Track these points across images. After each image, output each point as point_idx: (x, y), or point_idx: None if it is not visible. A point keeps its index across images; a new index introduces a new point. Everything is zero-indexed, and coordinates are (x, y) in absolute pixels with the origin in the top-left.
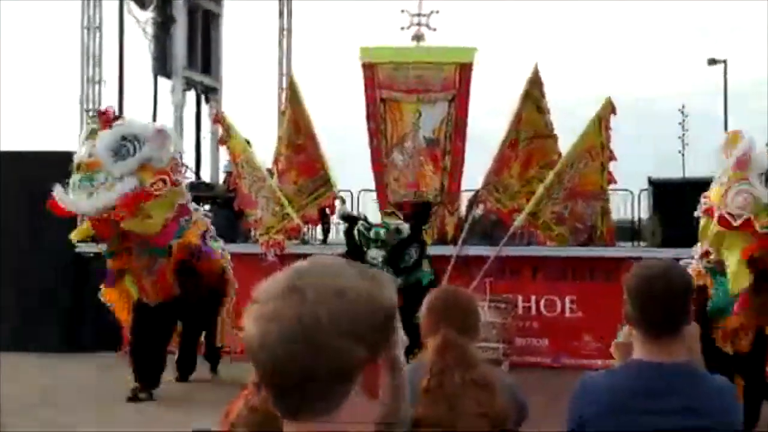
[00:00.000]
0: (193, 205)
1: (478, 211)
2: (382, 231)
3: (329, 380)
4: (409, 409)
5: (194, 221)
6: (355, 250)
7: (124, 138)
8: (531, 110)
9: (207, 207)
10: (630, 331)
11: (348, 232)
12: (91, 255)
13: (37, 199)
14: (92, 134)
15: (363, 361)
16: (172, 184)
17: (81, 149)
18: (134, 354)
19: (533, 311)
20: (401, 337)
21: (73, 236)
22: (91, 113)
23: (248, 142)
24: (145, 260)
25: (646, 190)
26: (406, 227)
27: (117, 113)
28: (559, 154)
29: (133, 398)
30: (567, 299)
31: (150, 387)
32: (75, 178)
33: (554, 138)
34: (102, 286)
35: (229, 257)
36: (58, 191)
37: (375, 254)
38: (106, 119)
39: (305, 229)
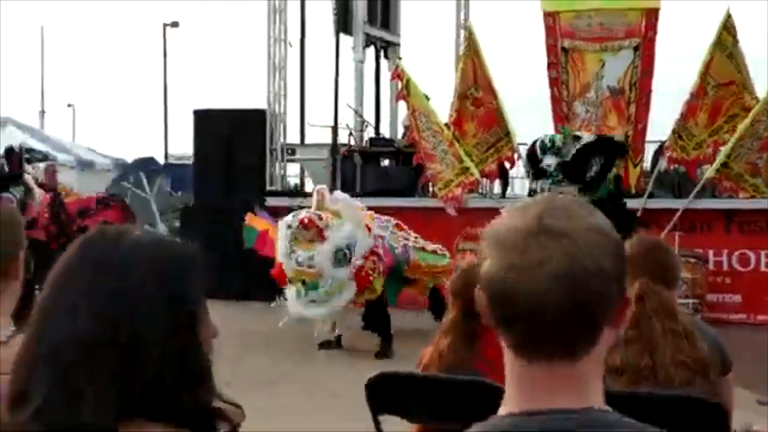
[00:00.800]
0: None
1: (663, 162)
2: (557, 137)
3: (596, 322)
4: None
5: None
6: (532, 161)
7: (338, 248)
8: (721, 57)
9: (386, 162)
10: None
11: (530, 149)
12: (280, 209)
13: (231, 153)
14: (298, 242)
15: (620, 298)
16: (379, 258)
17: (290, 254)
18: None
19: (725, 266)
20: None
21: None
22: (292, 224)
23: (427, 97)
24: None
25: None
26: (587, 136)
27: (320, 225)
28: (757, 100)
29: (325, 345)
30: (762, 253)
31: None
32: (299, 288)
33: (749, 86)
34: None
35: None
36: (294, 306)
37: (549, 161)
38: (319, 231)
39: (483, 183)
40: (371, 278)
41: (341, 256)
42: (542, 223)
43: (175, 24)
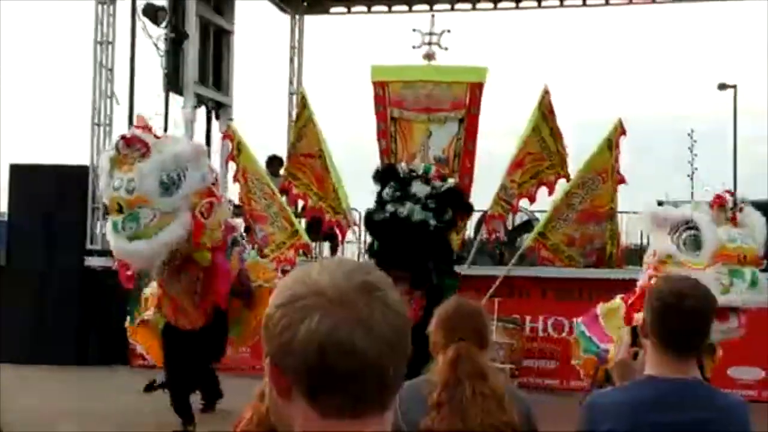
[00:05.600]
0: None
1: (485, 231)
2: (431, 167)
3: (402, 375)
4: None
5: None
6: (394, 180)
7: (164, 167)
8: (527, 130)
9: None
10: (629, 348)
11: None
12: (100, 269)
13: (50, 211)
14: (115, 165)
15: None
16: (218, 200)
17: (109, 182)
18: (174, 387)
19: (541, 332)
20: None
21: None
22: (112, 143)
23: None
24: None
25: None
26: (450, 180)
27: (146, 139)
28: (568, 174)
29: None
30: (576, 321)
31: (191, 421)
32: (116, 219)
33: (558, 160)
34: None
35: None
36: (114, 240)
37: (418, 189)
38: (143, 146)
39: (314, 246)
40: (204, 228)
41: (170, 180)
42: (361, 280)
43: None
